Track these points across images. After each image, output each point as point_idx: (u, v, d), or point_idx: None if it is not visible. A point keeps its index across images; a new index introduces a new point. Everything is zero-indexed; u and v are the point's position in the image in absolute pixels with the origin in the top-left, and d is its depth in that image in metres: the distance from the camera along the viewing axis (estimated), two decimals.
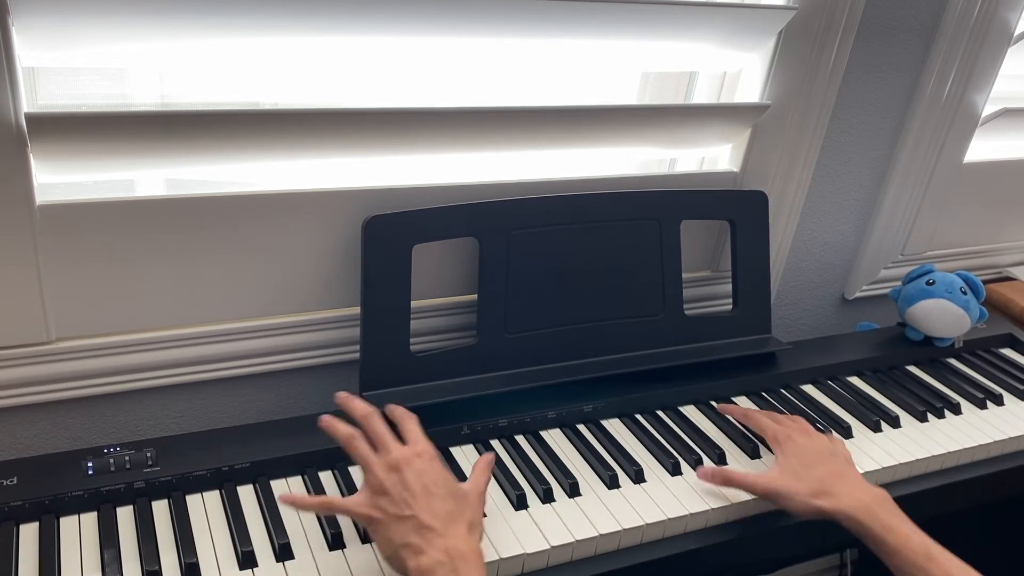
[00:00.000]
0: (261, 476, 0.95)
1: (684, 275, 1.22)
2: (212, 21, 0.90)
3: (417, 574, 0.77)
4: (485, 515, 0.92)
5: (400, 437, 0.88)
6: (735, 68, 1.24)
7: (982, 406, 1.24)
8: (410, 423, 0.90)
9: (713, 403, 1.17)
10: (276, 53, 0.96)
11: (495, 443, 1.04)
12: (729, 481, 0.99)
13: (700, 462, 1.05)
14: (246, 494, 0.93)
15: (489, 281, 1.08)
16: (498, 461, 1.01)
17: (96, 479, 0.90)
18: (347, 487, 0.95)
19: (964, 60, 1.33)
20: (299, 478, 0.96)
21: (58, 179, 0.93)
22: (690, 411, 1.16)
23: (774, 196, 1.29)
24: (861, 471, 1.06)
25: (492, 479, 0.98)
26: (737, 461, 1.07)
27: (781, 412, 1.17)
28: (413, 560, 0.78)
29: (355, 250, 1.04)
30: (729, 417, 1.13)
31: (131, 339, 1.01)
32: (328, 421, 0.88)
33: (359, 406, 0.89)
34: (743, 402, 1.19)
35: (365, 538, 0.89)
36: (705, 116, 1.20)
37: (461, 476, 0.98)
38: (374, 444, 0.86)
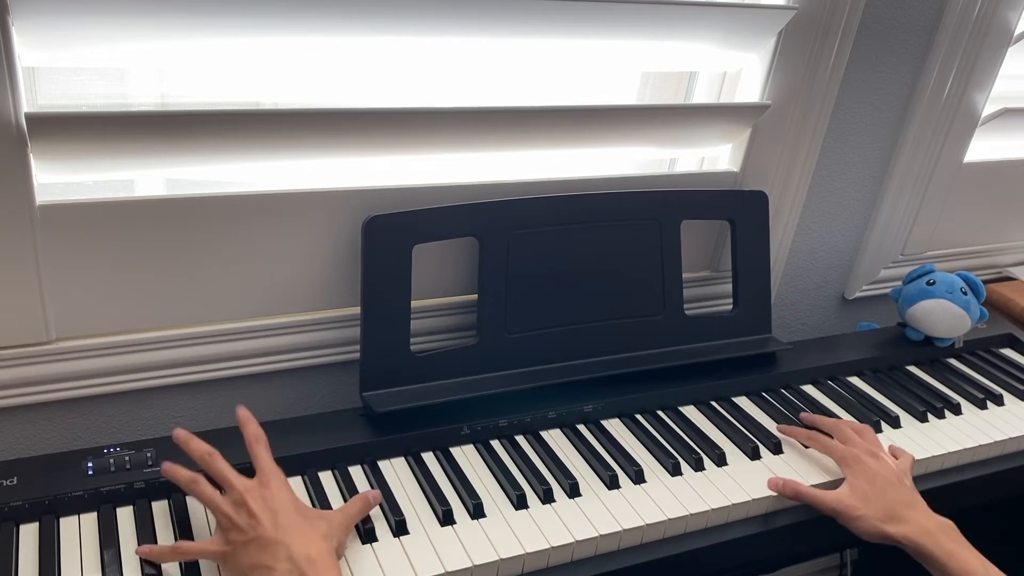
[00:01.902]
0: None
1: (684, 275, 1.22)
2: (212, 21, 0.90)
3: None
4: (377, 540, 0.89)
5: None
6: (735, 68, 1.24)
7: (982, 406, 1.24)
8: (259, 448, 0.88)
9: (713, 403, 1.17)
10: (276, 53, 0.96)
11: (495, 443, 1.04)
12: (799, 495, 1.00)
13: (700, 462, 1.05)
14: None
15: (489, 281, 1.08)
16: (498, 461, 1.01)
17: (96, 479, 0.90)
18: (347, 487, 0.95)
19: (964, 60, 1.33)
20: (299, 478, 0.96)
21: (58, 179, 0.93)
22: (690, 411, 1.16)
23: (774, 196, 1.29)
24: None
25: (493, 479, 0.99)
26: (738, 462, 1.07)
27: (780, 412, 1.17)
28: None
29: (355, 250, 1.04)
30: (794, 439, 1.11)
31: (131, 339, 1.01)
32: (168, 467, 0.86)
33: (196, 447, 0.86)
34: (743, 402, 1.19)
35: (365, 539, 0.89)
36: (705, 116, 1.20)
37: (462, 477, 0.98)
38: (219, 485, 0.85)
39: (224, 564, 0.81)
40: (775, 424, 1.15)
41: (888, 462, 1.02)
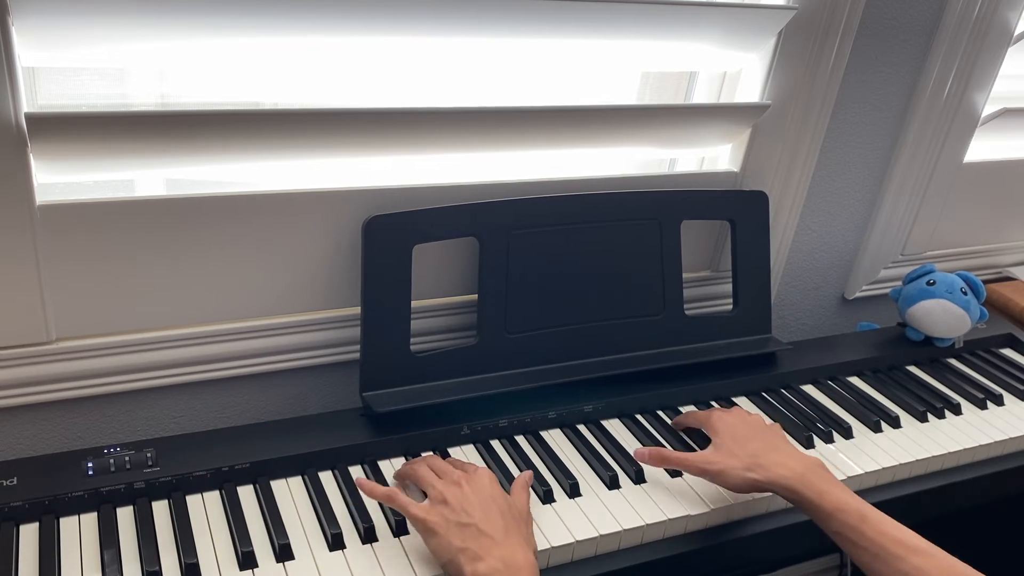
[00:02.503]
0: (261, 476, 0.94)
1: (684, 275, 1.22)
2: (212, 21, 0.90)
3: None
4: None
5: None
6: (735, 68, 1.24)
7: (982, 406, 1.24)
8: (468, 463, 0.94)
9: (714, 403, 1.17)
10: (276, 53, 0.96)
11: (495, 443, 1.04)
12: (665, 460, 1.00)
13: None
14: (246, 494, 0.93)
15: (489, 281, 1.08)
16: (498, 461, 1.01)
17: (96, 479, 0.90)
18: (347, 487, 0.95)
19: (964, 60, 1.33)
20: (299, 478, 0.96)
21: (58, 179, 0.93)
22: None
23: (774, 196, 1.29)
24: (862, 472, 1.07)
25: None
26: None
27: (780, 412, 1.17)
28: (470, 565, 0.80)
29: (355, 250, 1.04)
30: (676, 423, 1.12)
31: (131, 339, 1.01)
32: (397, 472, 0.96)
33: (418, 459, 0.96)
34: (743, 402, 1.19)
35: (366, 539, 0.89)
36: (705, 116, 1.20)
37: None
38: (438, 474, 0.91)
39: (430, 535, 0.84)
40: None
41: (752, 416, 1.04)
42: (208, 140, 0.95)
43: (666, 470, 1.03)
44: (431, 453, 0.97)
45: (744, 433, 1.00)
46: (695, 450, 1.06)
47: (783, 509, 1.02)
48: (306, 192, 1.03)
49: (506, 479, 0.98)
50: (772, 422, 1.06)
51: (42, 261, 0.93)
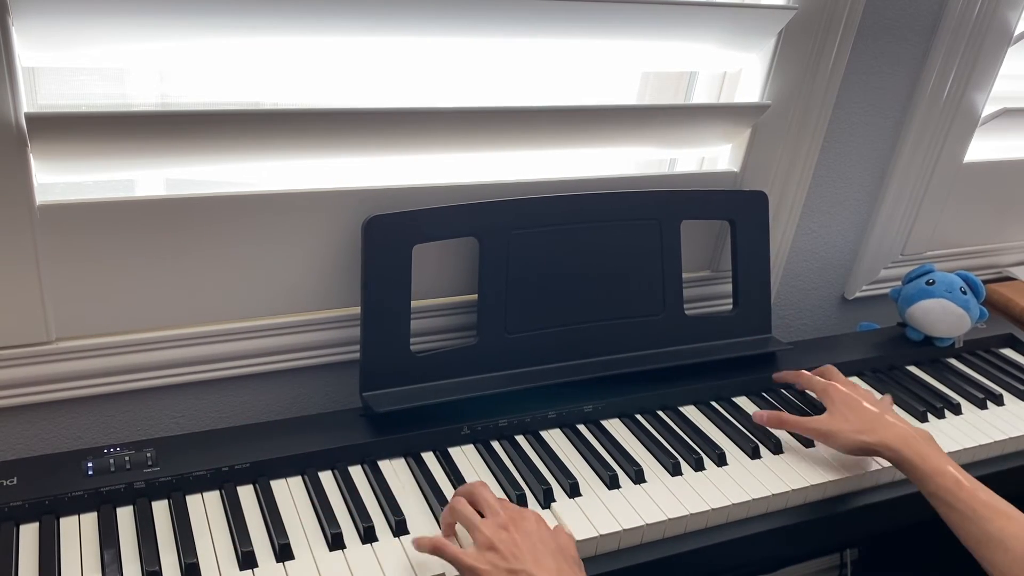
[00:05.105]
0: (261, 476, 0.94)
1: (684, 275, 1.22)
2: (212, 21, 0.90)
3: None
4: None
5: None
6: (735, 68, 1.24)
7: (982, 406, 1.24)
8: (507, 502, 0.91)
9: (713, 403, 1.17)
10: (276, 53, 0.96)
11: (495, 443, 1.04)
12: (783, 422, 1.09)
13: (700, 462, 1.05)
14: (246, 494, 0.93)
15: (489, 281, 1.08)
16: (498, 461, 1.01)
17: (96, 479, 0.90)
18: (347, 486, 0.95)
19: (964, 60, 1.33)
20: (299, 478, 0.96)
21: (58, 179, 0.93)
22: (690, 411, 1.16)
23: (774, 196, 1.29)
24: (863, 471, 1.07)
25: (493, 479, 0.99)
26: (738, 462, 1.07)
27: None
28: None
29: (355, 250, 1.04)
30: (780, 379, 1.20)
31: (131, 339, 1.01)
32: (444, 513, 0.90)
33: (460, 490, 0.91)
34: (743, 402, 1.19)
35: (366, 538, 0.89)
36: (705, 116, 1.20)
37: (462, 478, 0.98)
38: (480, 511, 0.87)
39: None
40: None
41: (865, 391, 1.10)
42: (208, 140, 0.95)
43: (666, 469, 1.03)
44: (480, 482, 0.90)
45: (858, 402, 1.07)
46: (699, 452, 1.06)
47: (783, 509, 1.03)
48: (306, 192, 1.03)
49: (506, 479, 0.98)
50: (883, 395, 1.15)
51: (42, 261, 0.93)
